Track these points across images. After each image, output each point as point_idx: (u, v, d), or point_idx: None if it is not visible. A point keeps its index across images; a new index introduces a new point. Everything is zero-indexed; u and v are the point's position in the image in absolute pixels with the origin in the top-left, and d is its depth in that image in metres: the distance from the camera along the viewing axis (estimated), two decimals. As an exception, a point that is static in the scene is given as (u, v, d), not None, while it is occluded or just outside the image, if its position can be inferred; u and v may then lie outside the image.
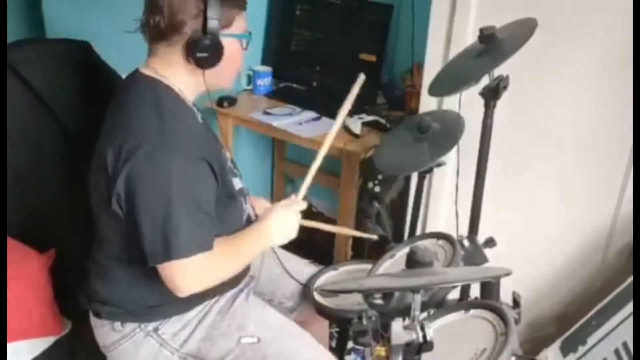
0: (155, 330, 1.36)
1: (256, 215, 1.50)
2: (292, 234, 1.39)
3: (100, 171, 1.25)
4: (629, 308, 1.61)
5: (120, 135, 1.22)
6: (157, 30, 1.25)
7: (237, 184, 1.42)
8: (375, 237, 1.68)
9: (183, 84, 1.31)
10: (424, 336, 1.02)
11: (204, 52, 1.25)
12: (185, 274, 1.22)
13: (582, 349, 1.69)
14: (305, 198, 1.46)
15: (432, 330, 1.03)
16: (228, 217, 1.35)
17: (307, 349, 1.40)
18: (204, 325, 1.38)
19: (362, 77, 1.53)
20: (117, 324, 1.37)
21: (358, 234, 1.72)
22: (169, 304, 1.35)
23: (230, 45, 1.29)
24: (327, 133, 2.24)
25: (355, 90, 1.55)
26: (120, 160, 1.19)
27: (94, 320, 1.42)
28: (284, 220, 1.38)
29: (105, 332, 1.39)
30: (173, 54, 1.27)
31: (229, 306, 1.41)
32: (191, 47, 1.24)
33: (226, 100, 2.48)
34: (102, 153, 1.24)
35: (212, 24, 1.23)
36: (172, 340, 1.37)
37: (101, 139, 1.28)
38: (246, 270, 1.50)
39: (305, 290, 1.57)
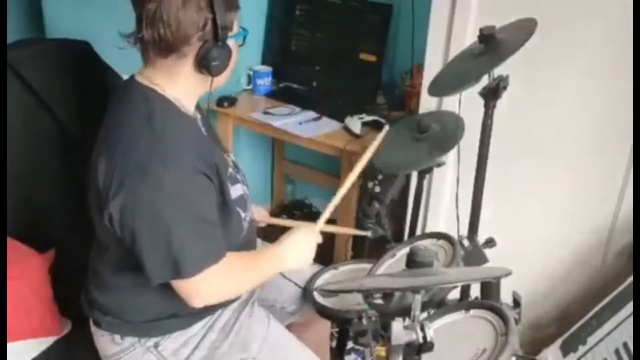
0: (156, 346, 1.34)
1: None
2: (308, 261, 1.39)
3: (94, 182, 1.22)
4: (629, 308, 1.61)
5: (111, 150, 1.19)
6: (164, 44, 1.19)
7: (237, 191, 1.37)
8: (368, 233, 1.68)
9: (182, 93, 1.27)
10: (424, 336, 1.02)
11: (217, 61, 1.22)
12: (201, 287, 1.22)
13: (582, 349, 1.69)
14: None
15: (432, 330, 1.03)
16: (223, 230, 1.29)
17: None
18: (205, 343, 1.36)
19: (386, 128, 1.56)
20: (117, 337, 1.35)
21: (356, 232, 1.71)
22: (171, 317, 1.33)
23: (232, 45, 1.27)
24: (327, 133, 2.28)
25: (379, 139, 1.57)
26: (113, 182, 1.15)
27: (94, 329, 1.40)
28: (302, 246, 1.38)
29: (104, 342, 1.37)
30: (180, 66, 1.23)
31: (232, 322, 1.39)
32: (204, 57, 1.21)
33: (226, 100, 2.48)
34: (95, 164, 1.21)
35: (222, 31, 1.20)
36: (172, 357, 1.34)
37: (96, 148, 1.25)
38: None
39: (306, 291, 1.57)
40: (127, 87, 1.28)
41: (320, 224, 1.47)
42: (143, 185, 1.14)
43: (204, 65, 1.21)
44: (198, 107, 1.40)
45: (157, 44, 1.19)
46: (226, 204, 1.30)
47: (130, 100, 1.25)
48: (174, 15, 1.16)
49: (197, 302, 1.24)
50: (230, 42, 1.25)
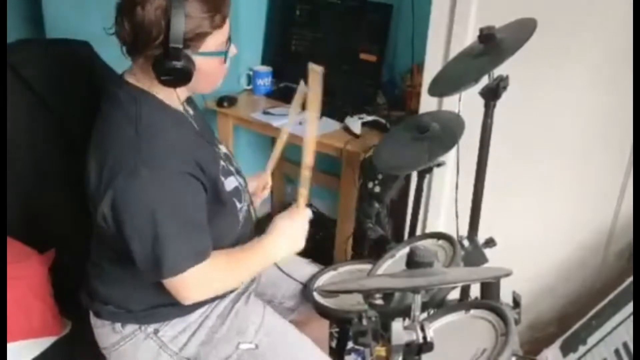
0: (156, 332, 1.36)
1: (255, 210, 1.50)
2: (298, 245, 1.36)
3: (87, 181, 1.24)
4: (629, 308, 1.61)
5: (101, 152, 1.20)
6: (128, 42, 1.18)
7: (231, 183, 1.38)
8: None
9: (164, 93, 1.25)
10: (424, 336, 1.02)
11: (168, 75, 1.16)
12: (186, 285, 1.24)
13: (582, 349, 1.69)
14: (309, 199, 1.44)
15: (432, 330, 1.03)
16: (217, 222, 1.31)
17: (305, 355, 1.41)
18: (204, 329, 1.38)
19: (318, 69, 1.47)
20: (118, 325, 1.37)
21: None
22: (170, 305, 1.35)
23: (205, 63, 1.21)
24: (327, 133, 2.28)
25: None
26: (102, 181, 1.17)
27: (94, 320, 1.42)
28: (289, 233, 1.35)
29: (105, 332, 1.39)
30: (148, 67, 1.19)
31: (229, 310, 1.41)
32: (155, 68, 1.17)
33: (226, 100, 2.48)
34: (86, 165, 1.23)
35: (175, 45, 1.13)
36: (171, 343, 1.37)
37: (89, 147, 1.25)
38: None
39: (305, 291, 1.57)
40: (116, 86, 1.27)
41: (302, 201, 1.39)
42: (131, 187, 1.16)
43: (156, 76, 1.17)
44: (191, 103, 1.41)
45: (124, 42, 1.19)
46: (221, 198, 1.31)
47: (120, 103, 1.24)
48: (137, 13, 1.13)
49: (184, 300, 1.27)
50: (202, 59, 1.20)
